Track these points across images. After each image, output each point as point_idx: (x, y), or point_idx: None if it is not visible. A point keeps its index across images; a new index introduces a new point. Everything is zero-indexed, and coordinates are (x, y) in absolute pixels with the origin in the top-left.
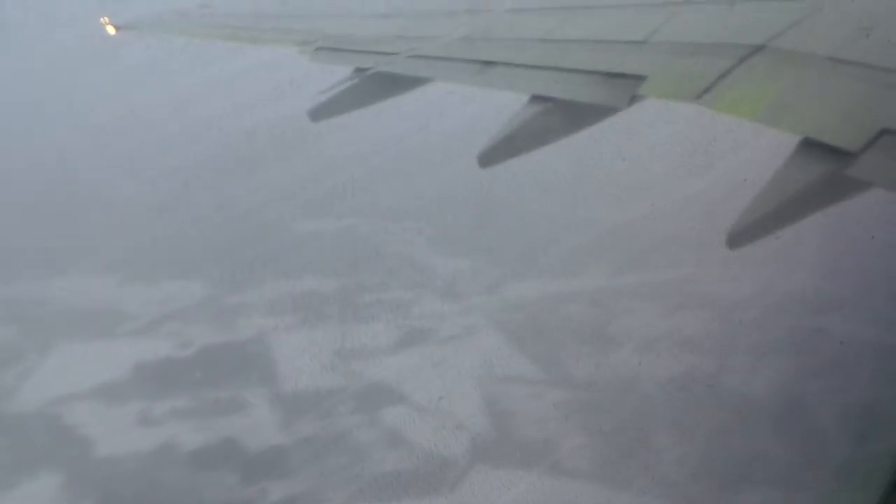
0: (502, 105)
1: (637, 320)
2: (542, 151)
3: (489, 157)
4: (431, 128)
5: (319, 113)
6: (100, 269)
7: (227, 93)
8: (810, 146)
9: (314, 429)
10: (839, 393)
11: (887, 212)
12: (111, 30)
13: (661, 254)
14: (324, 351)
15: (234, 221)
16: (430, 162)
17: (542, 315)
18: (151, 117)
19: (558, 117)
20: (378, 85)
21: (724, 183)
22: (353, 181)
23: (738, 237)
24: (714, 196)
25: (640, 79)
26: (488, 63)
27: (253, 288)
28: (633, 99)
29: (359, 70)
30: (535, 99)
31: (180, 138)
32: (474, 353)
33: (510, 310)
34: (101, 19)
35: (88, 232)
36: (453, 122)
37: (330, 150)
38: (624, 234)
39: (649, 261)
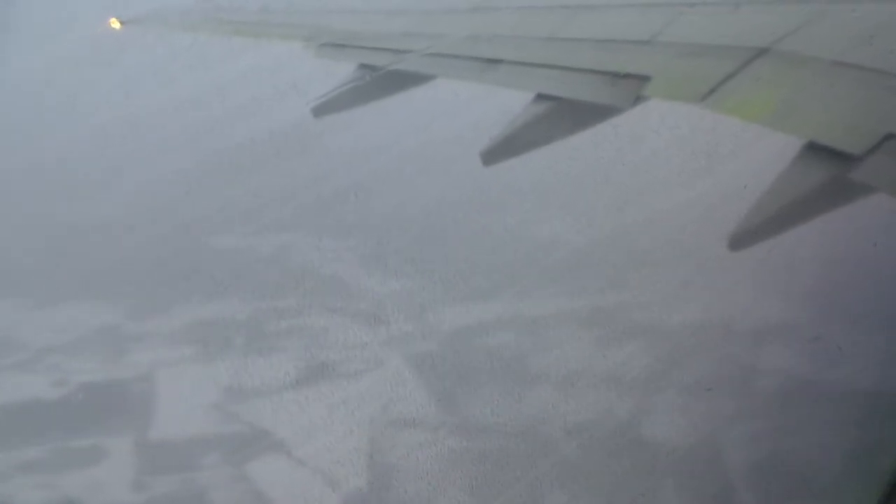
0: (506, 103)
1: (567, 351)
2: (543, 151)
3: (493, 156)
4: (434, 126)
5: (323, 109)
6: (7, 290)
7: (226, 91)
8: (814, 149)
9: (169, 486)
10: (766, 440)
11: (890, 217)
12: (116, 24)
13: (624, 273)
14: (213, 389)
15: (172, 237)
16: (430, 163)
17: (464, 345)
18: (145, 120)
19: (562, 116)
20: (382, 82)
21: (724, 187)
22: (336, 190)
23: (741, 239)
24: (712, 201)
25: (644, 79)
26: (493, 61)
27: (162, 314)
28: (638, 99)
29: (363, 66)
30: (540, 98)
31: (171, 143)
32: (377, 391)
33: (432, 339)
34: (110, 20)
35: (6, 251)
36: (457, 121)
37: (327, 150)
38: (599, 247)
39: (607, 281)
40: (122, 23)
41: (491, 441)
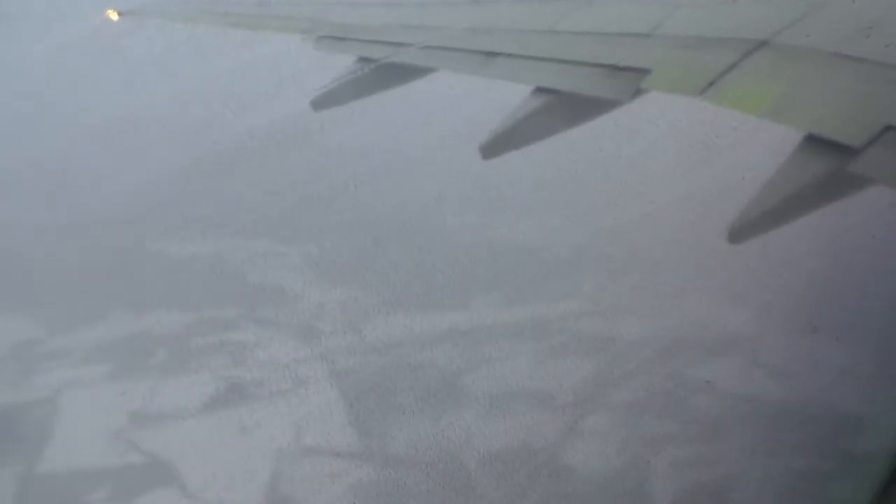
0: (505, 96)
1: (502, 368)
2: (542, 145)
3: (492, 149)
4: (432, 120)
5: (322, 102)
6: None
7: (223, 84)
8: (814, 142)
9: None
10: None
11: (889, 209)
12: (114, 16)
13: (585, 277)
14: (118, 413)
15: (118, 242)
16: (426, 157)
17: (396, 361)
18: (138, 114)
19: (562, 109)
20: (380, 74)
21: (723, 179)
22: (314, 190)
23: (740, 232)
24: (711, 193)
25: (644, 72)
26: (492, 54)
27: (84, 328)
28: (637, 92)
29: (362, 59)
30: (539, 91)
31: (162, 138)
32: (293, 414)
33: (361, 354)
34: (107, 11)
35: None
36: (455, 114)
37: (319, 147)
38: (568, 250)
39: (565, 287)
40: (119, 14)
41: (405, 471)
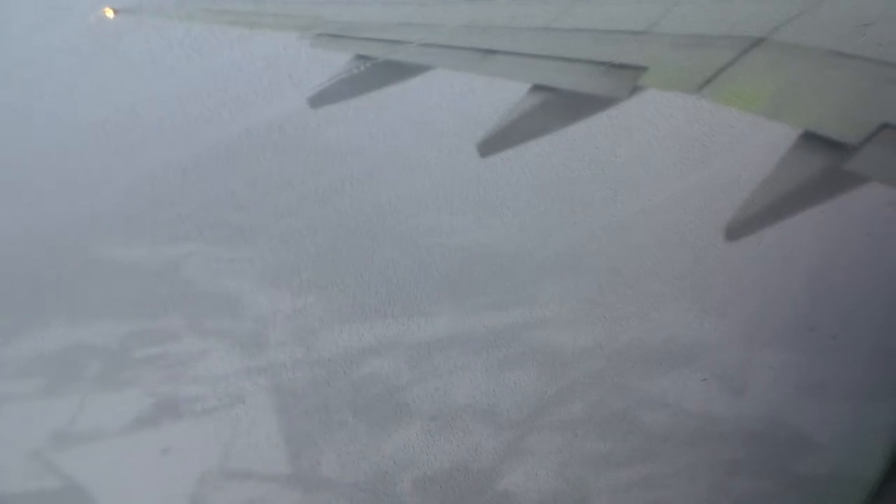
0: (502, 94)
1: (448, 382)
2: (538, 143)
3: (489, 147)
4: (431, 117)
5: (319, 100)
6: None
7: (220, 81)
8: (810, 139)
9: None
10: None
11: (886, 208)
12: (110, 13)
13: (561, 281)
14: (40, 432)
15: (74, 245)
16: (423, 154)
17: (339, 375)
18: (132, 112)
19: (559, 107)
20: (377, 72)
21: (720, 177)
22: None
23: (736, 229)
24: (708, 191)
25: (641, 69)
26: (489, 51)
27: (22, 339)
28: (634, 90)
29: (360, 57)
30: (537, 88)
31: (153, 136)
32: (223, 433)
33: (307, 367)
34: (104, 9)
35: None
36: (454, 111)
37: (312, 146)
38: (552, 252)
39: (532, 292)
40: (115, 11)
41: (333, 496)
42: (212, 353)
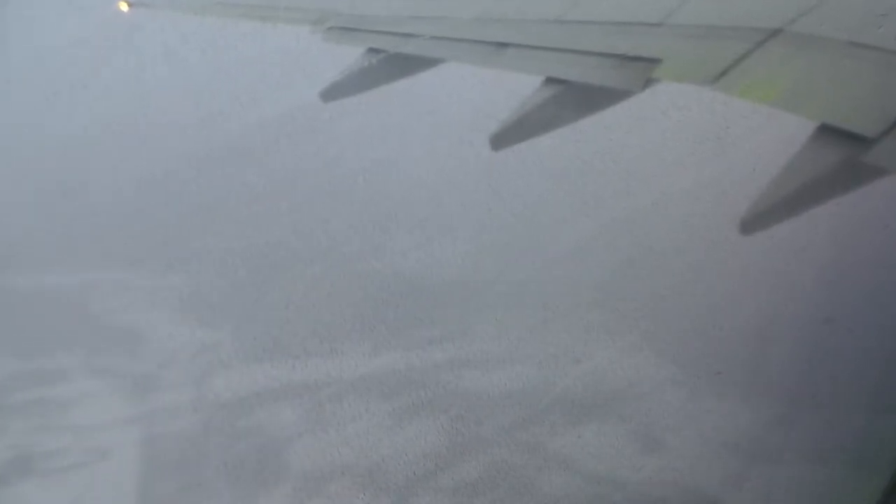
0: (514, 87)
1: (336, 435)
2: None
3: (501, 140)
4: (443, 110)
5: (331, 93)
6: None
7: (232, 75)
8: (827, 131)
9: None
10: None
11: None
12: (124, 7)
13: (498, 314)
14: None
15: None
16: (434, 148)
17: (220, 425)
18: (141, 108)
19: (572, 100)
20: (389, 65)
21: (735, 169)
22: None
23: (752, 223)
24: (723, 184)
25: (655, 62)
26: (502, 45)
27: None
28: (649, 82)
29: (371, 50)
30: (549, 81)
31: (160, 131)
32: (72, 494)
33: (189, 415)
34: (118, 2)
35: None
36: (466, 104)
37: (314, 143)
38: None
39: (476, 322)
40: (130, 5)
41: None
42: (94, 397)
